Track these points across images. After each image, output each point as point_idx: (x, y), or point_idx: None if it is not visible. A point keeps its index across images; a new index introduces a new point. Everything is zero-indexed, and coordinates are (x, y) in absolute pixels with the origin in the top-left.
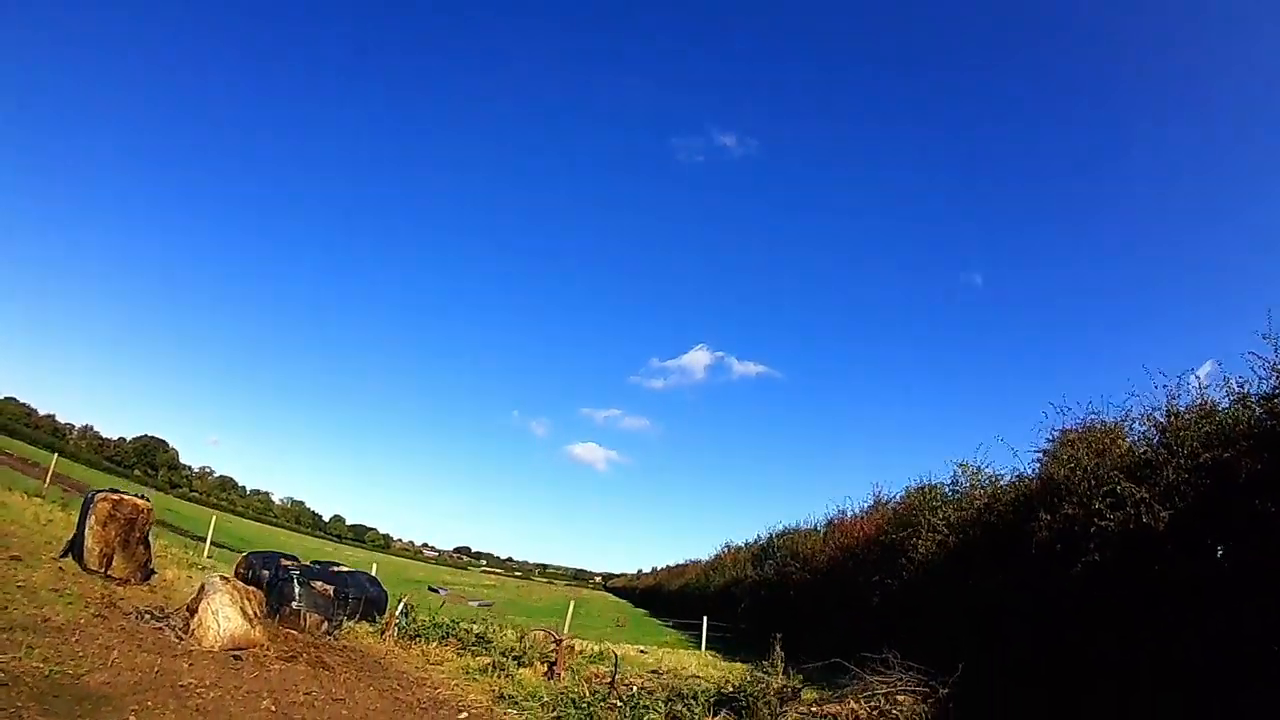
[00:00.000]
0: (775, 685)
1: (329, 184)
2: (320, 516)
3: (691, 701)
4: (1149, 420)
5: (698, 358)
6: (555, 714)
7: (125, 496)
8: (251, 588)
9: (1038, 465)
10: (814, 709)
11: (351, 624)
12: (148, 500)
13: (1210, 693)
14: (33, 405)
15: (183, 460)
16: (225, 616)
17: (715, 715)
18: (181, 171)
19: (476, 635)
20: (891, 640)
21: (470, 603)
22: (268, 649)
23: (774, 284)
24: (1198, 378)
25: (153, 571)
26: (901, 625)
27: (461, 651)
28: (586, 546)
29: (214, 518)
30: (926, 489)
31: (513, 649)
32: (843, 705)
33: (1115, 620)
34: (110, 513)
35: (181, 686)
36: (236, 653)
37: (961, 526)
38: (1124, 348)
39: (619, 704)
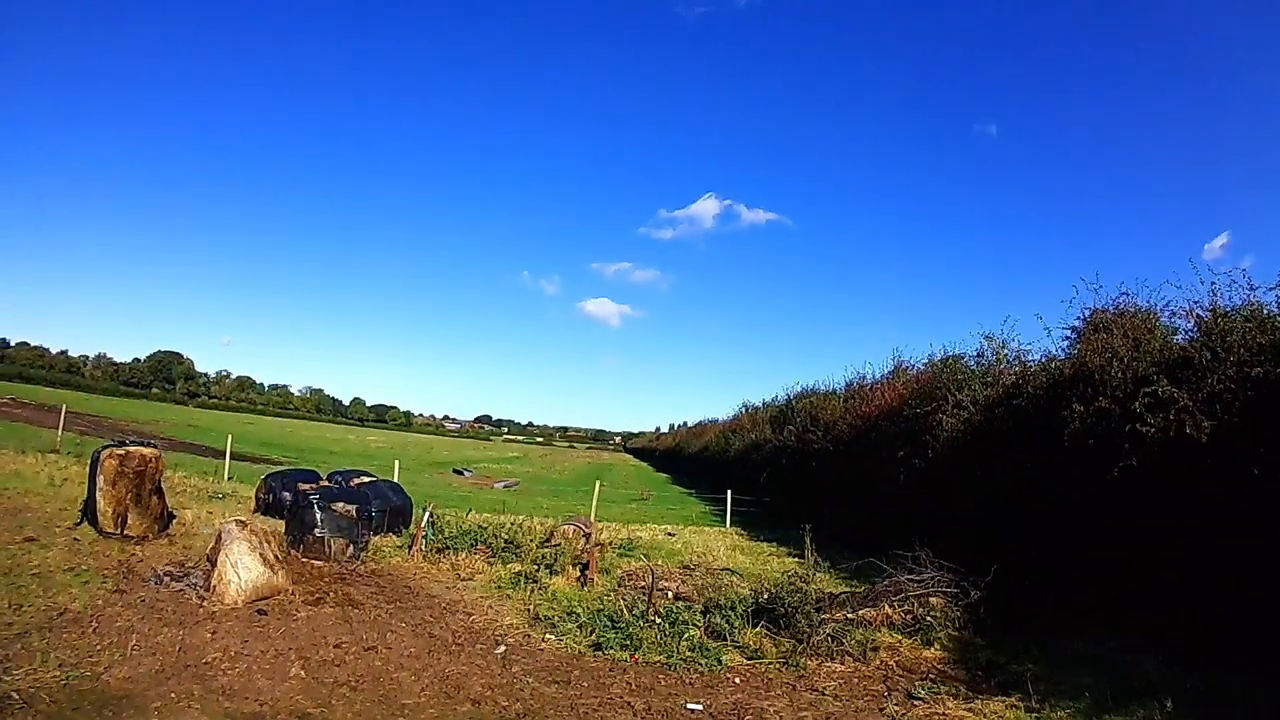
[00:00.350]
0: (813, 593)
1: (323, 46)
2: (340, 402)
3: (730, 612)
4: (1191, 315)
5: (706, 206)
6: (594, 636)
7: (131, 449)
8: (270, 527)
9: (1067, 345)
10: (849, 614)
11: (378, 539)
12: (155, 447)
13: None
14: (46, 345)
15: (198, 369)
16: (245, 567)
17: (754, 626)
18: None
19: (505, 540)
20: (915, 523)
21: (496, 485)
22: (293, 593)
23: (782, 131)
24: (1245, 274)
25: (172, 517)
26: (926, 506)
27: (491, 560)
28: (605, 406)
29: (229, 437)
30: (950, 360)
31: (543, 557)
32: (877, 610)
33: (1154, 534)
34: (119, 469)
35: (205, 664)
36: (261, 605)
37: (988, 405)
38: (1154, 226)
39: (657, 620)
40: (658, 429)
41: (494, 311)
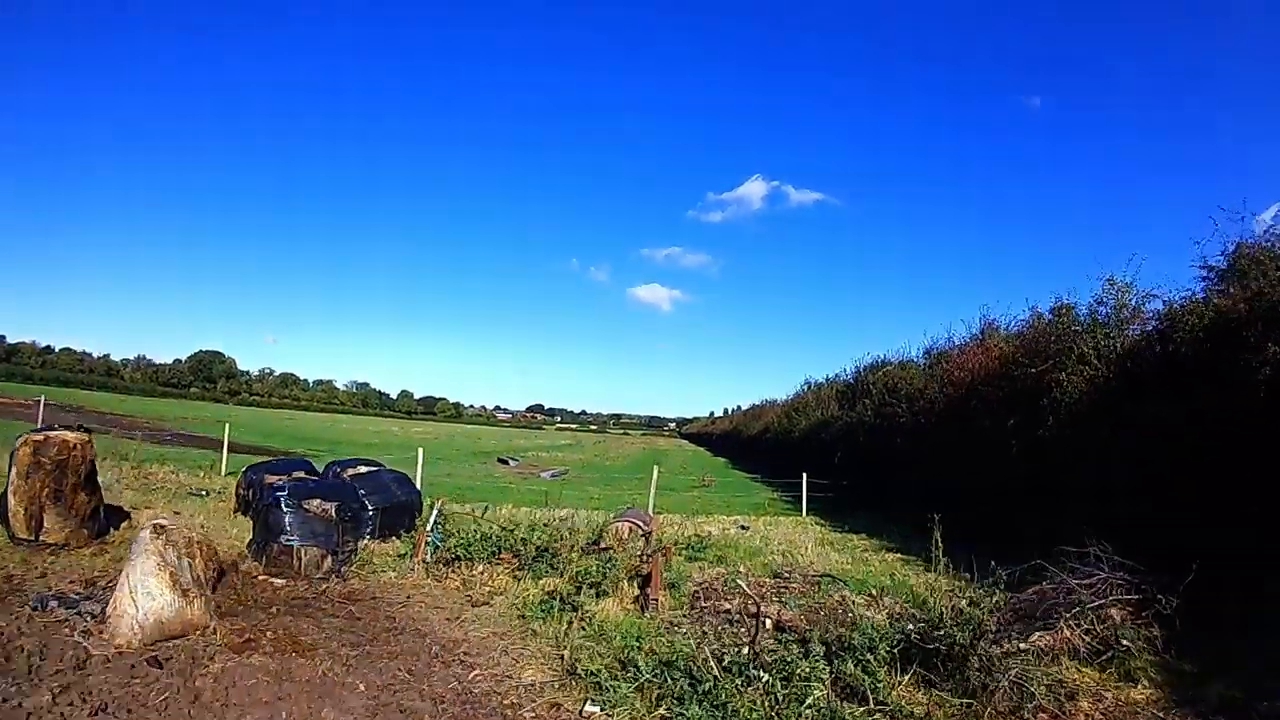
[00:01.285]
0: (987, 622)
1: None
2: (387, 396)
3: (867, 656)
4: None
5: (754, 188)
6: (662, 708)
7: (52, 434)
8: (198, 541)
9: (1205, 286)
10: (1020, 644)
11: (375, 544)
12: (87, 431)
13: None
14: (88, 350)
15: (240, 367)
16: (147, 593)
17: (903, 673)
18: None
19: (538, 548)
20: (1036, 504)
21: (543, 474)
22: (213, 633)
23: (828, 110)
24: None
25: (123, 517)
26: (1049, 481)
27: (519, 573)
28: (658, 392)
29: (227, 426)
30: (1063, 309)
31: (588, 570)
32: (1056, 636)
33: None
34: (33, 460)
35: None
36: (162, 648)
37: (1125, 356)
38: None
39: (762, 674)
40: (712, 414)
41: (544, 301)
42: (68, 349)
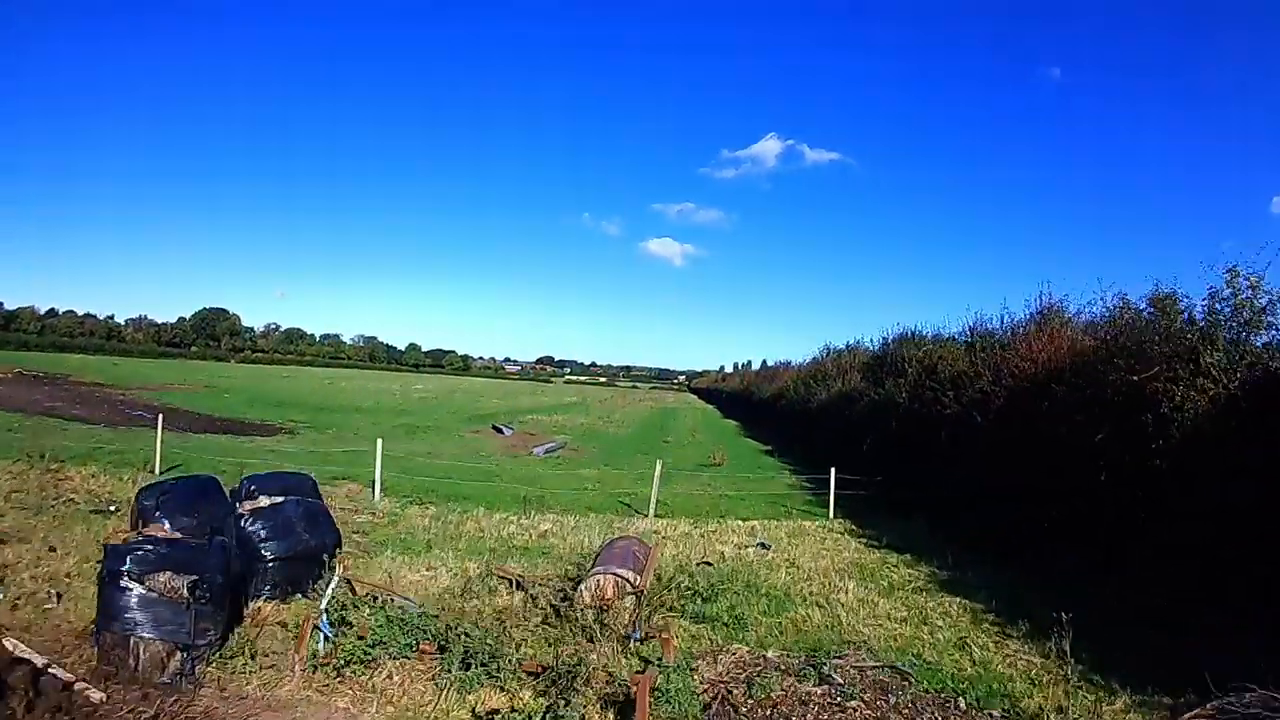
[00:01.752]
0: None
1: None
2: (395, 349)
3: None
4: None
5: (768, 146)
6: None
7: None
8: None
9: None
10: None
11: (268, 607)
12: None
13: None
14: (93, 312)
15: (246, 324)
16: None
17: None
18: None
19: (465, 647)
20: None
21: (535, 450)
22: None
23: (844, 70)
24: None
25: None
26: (1160, 508)
27: (443, 675)
28: (668, 345)
29: (160, 418)
30: (1164, 301)
31: (550, 671)
32: None
33: None
34: None
35: None
36: None
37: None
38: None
39: None
40: (721, 368)
41: (556, 254)
42: (70, 312)
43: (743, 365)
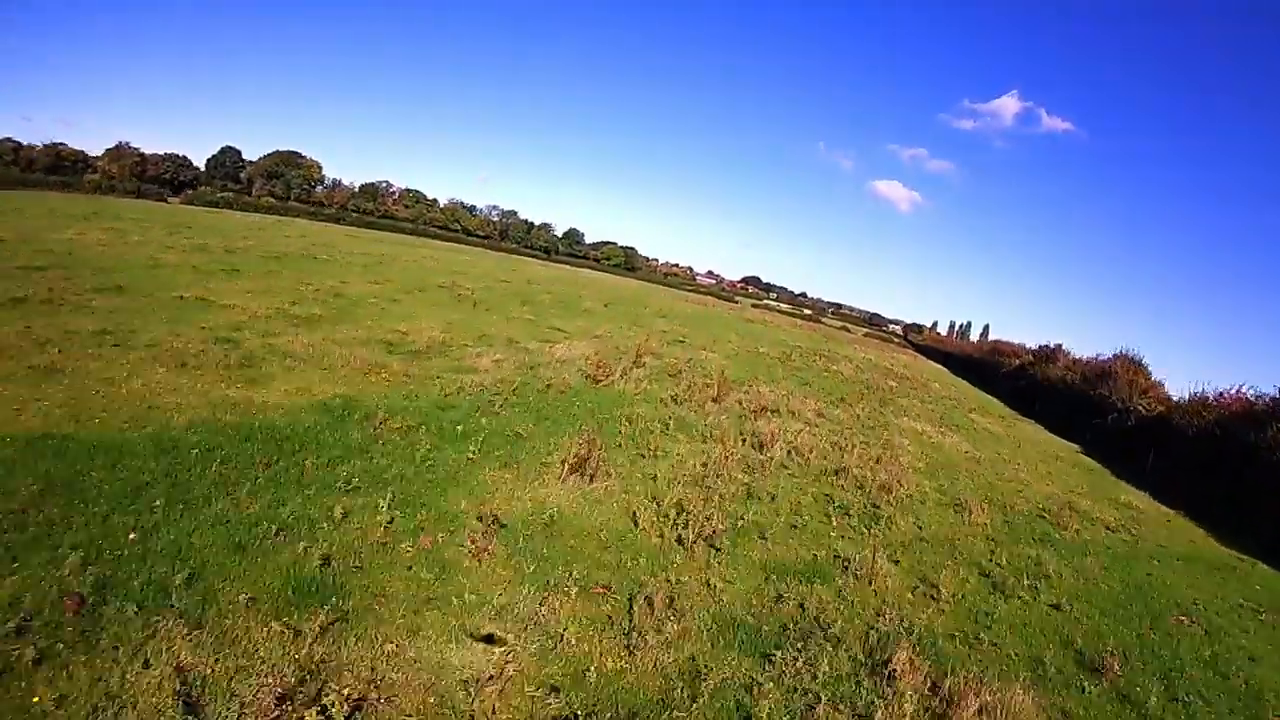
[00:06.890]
0: None
1: None
2: (528, 224)
3: None
4: None
5: (1007, 104)
6: None
7: None
8: None
9: None
10: None
11: None
12: None
13: None
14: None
15: (327, 175)
16: None
17: None
18: None
19: None
20: None
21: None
22: None
23: (1095, 40)
24: None
25: None
26: None
27: None
28: (881, 290)
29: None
30: None
31: None
32: None
33: None
34: None
35: None
36: None
37: None
38: None
39: None
40: (935, 324)
41: (784, 178)
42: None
43: (961, 326)
